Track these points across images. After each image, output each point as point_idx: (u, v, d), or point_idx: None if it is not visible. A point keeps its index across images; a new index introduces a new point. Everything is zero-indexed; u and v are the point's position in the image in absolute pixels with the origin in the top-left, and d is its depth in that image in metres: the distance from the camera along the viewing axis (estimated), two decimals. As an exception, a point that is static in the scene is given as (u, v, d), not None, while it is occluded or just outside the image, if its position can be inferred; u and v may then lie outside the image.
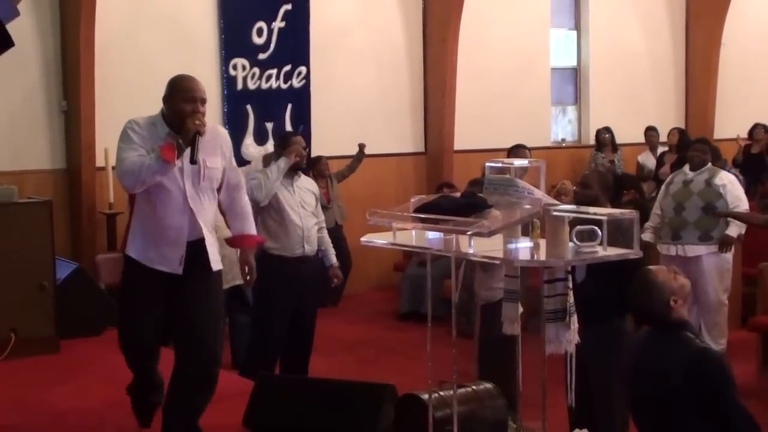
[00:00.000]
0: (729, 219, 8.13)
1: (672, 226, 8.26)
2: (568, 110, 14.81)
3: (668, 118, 14.72)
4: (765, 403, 4.17)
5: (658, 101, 15.12)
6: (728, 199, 8.15)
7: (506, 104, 13.25)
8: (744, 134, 13.76)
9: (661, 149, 13.35)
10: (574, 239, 4.27)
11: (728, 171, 9.50)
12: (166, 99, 5.15)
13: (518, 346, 4.57)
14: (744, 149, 13.32)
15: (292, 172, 7.21)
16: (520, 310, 4.59)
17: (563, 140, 14.61)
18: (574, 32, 14.65)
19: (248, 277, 5.47)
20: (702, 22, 15.05)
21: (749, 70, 15.63)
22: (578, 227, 4.29)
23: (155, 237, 5.16)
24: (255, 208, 6.74)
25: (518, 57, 13.47)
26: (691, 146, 8.86)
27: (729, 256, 8.24)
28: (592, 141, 13.94)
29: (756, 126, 13.59)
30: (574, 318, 4.32)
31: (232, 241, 5.54)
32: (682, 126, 14.44)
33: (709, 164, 8.41)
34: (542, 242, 4.57)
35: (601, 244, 4.29)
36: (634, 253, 5.09)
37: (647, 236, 8.37)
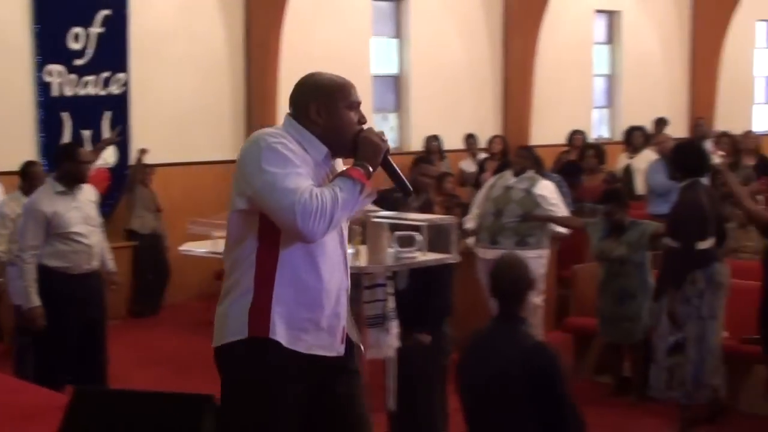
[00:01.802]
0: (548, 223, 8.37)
1: (490, 231, 8.42)
2: (390, 117, 14.96)
3: (487, 126, 15.05)
4: (580, 401, 4.27)
5: (477, 109, 15.43)
6: (545, 207, 8.35)
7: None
8: (561, 141, 14.19)
9: (481, 156, 13.64)
10: (395, 245, 4.31)
11: (551, 177, 9.75)
12: (318, 107, 3.56)
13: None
14: (559, 156, 13.72)
15: (74, 184, 6.76)
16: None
17: (383, 148, 14.71)
18: (396, 40, 14.81)
19: None
20: (518, 32, 15.44)
21: (562, 80, 16.15)
22: (397, 233, 4.34)
23: (314, 306, 3.52)
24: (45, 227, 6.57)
25: (340, 64, 13.44)
26: (514, 153, 9.05)
27: (544, 260, 8.45)
28: (413, 148, 14.11)
29: (575, 132, 14.03)
30: (394, 323, 4.37)
31: None
32: (500, 133, 14.77)
33: (531, 172, 8.58)
34: (363, 248, 4.60)
35: (420, 249, 4.34)
36: (452, 258, 5.19)
37: (469, 232, 8.59)
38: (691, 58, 18.31)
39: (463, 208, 9.21)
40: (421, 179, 6.15)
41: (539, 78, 15.62)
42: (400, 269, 5.22)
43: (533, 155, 8.94)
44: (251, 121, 12.62)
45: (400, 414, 5.60)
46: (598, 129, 17.23)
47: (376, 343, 4.34)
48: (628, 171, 11.97)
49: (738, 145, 12.25)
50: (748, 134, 13.06)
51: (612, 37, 17.55)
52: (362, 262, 4.72)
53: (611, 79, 17.63)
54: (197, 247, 6.64)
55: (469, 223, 8.69)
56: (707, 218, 6.59)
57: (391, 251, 4.72)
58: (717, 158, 7.04)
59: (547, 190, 8.42)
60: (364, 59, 14.00)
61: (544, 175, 8.99)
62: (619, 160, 12.50)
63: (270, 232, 3.44)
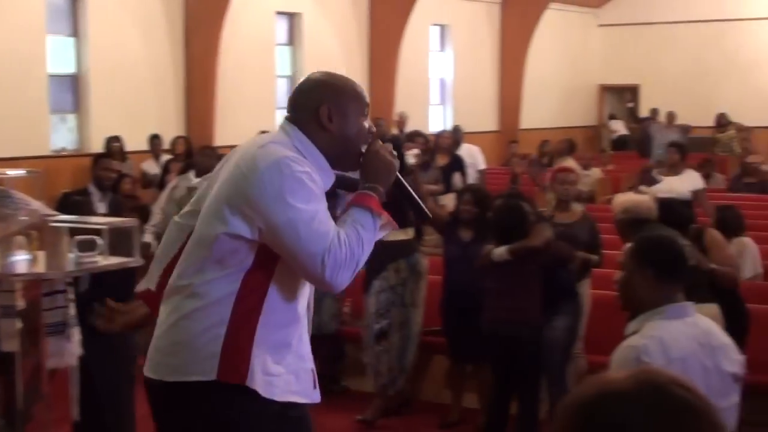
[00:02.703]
0: None
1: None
2: (68, 118, 14.46)
3: (170, 126, 14.86)
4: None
5: (160, 109, 15.20)
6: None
7: (2, 112, 12.68)
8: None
9: (164, 157, 13.43)
10: (75, 249, 4.18)
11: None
12: (330, 110, 3.10)
13: (17, 363, 4.38)
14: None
15: None
16: (19, 325, 4.41)
17: (64, 149, 14.25)
18: (72, 39, 14.33)
19: None
20: (200, 32, 15.34)
21: (245, 81, 16.20)
22: (77, 237, 4.21)
23: (294, 347, 3.14)
24: None
25: (13, 63, 12.94)
26: (198, 153, 9.01)
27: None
28: (94, 149, 13.71)
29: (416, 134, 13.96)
30: (76, 330, 4.23)
31: None
32: (184, 133, 14.63)
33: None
34: (41, 254, 4.43)
35: (102, 253, 4.23)
36: (135, 261, 5.09)
37: (148, 237, 8.48)
38: (370, 60, 18.86)
39: (141, 212, 9.00)
40: (104, 174, 6.00)
41: (222, 78, 15.61)
42: (81, 274, 5.08)
43: (218, 156, 8.93)
44: None
45: (86, 424, 5.43)
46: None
47: (58, 351, 4.18)
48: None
49: (430, 144, 12.67)
50: (443, 134, 13.56)
51: (293, 39, 17.79)
52: (40, 268, 4.55)
53: (293, 81, 17.86)
54: None
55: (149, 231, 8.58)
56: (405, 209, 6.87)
57: (71, 256, 4.57)
58: (412, 158, 7.30)
59: None
60: (39, 58, 13.47)
61: None
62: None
63: (264, 265, 3.02)
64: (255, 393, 2.99)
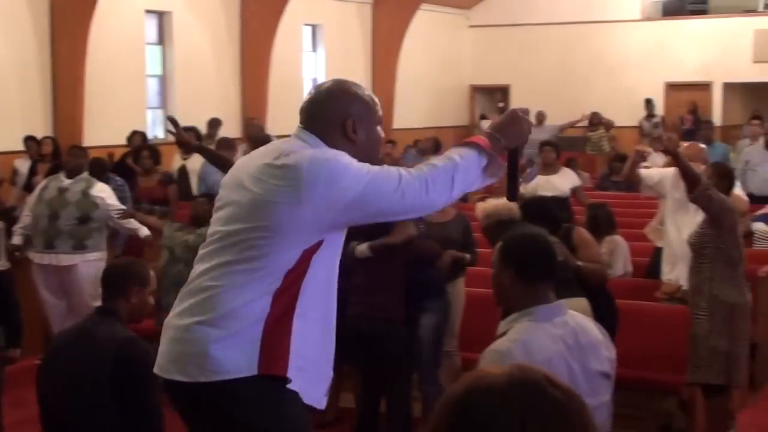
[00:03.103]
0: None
1: (46, 235, 8.13)
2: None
3: (37, 127, 14.48)
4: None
5: (27, 110, 14.83)
6: (104, 209, 8.21)
7: None
8: (118, 141, 13.98)
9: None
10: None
11: (113, 179, 9.65)
12: (354, 122, 3.17)
13: None
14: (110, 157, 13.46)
15: None
16: None
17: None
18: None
19: None
20: (67, 32, 14.99)
21: (115, 80, 15.90)
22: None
23: (324, 349, 3.24)
24: None
25: None
26: (67, 153, 8.84)
27: (103, 263, 8.31)
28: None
29: (135, 133, 13.79)
30: None
31: None
32: (51, 134, 14.29)
33: (86, 173, 8.42)
34: None
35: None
36: (2, 264, 4.95)
37: (17, 240, 8.32)
38: (242, 59, 18.71)
39: (5, 214, 8.71)
40: None
41: (91, 78, 15.29)
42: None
43: (95, 160, 8.82)
44: None
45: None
46: (153, 130, 17.17)
47: None
48: (183, 172, 12.02)
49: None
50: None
51: (163, 38, 17.54)
52: None
53: (164, 80, 17.63)
54: None
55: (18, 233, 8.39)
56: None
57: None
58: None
59: (105, 192, 8.34)
60: None
61: (108, 179, 8.96)
62: (174, 161, 12.51)
63: (301, 264, 3.07)
64: (296, 394, 3.11)
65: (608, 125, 19.43)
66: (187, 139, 6.49)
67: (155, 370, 3.27)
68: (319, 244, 3.07)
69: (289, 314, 3.07)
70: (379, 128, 3.24)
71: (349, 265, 6.42)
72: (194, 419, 3.24)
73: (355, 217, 3.07)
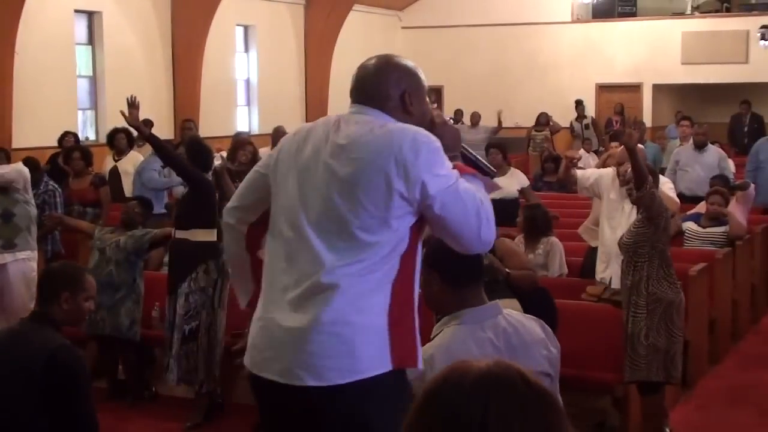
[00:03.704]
0: None
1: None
2: None
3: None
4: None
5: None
6: (30, 209, 8.14)
7: None
8: (48, 143, 13.77)
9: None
10: None
11: (46, 182, 9.60)
12: (411, 95, 3.18)
13: None
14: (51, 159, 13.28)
15: None
16: None
17: None
18: None
19: None
20: (-7, 32, 14.77)
21: (44, 81, 15.65)
22: None
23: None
24: None
25: None
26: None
27: (34, 263, 8.21)
28: None
29: (66, 134, 13.55)
30: None
31: None
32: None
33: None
34: None
35: None
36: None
37: None
38: (174, 60, 18.52)
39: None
40: None
41: (19, 79, 15.04)
42: None
43: (8, 156, 8.71)
44: None
45: None
46: (84, 131, 16.94)
47: None
48: (115, 173, 11.87)
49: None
50: (239, 134, 13.45)
51: (93, 38, 17.31)
52: None
53: (94, 81, 17.40)
54: None
55: None
56: (213, 210, 6.91)
57: None
58: (218, 159, 7.27)
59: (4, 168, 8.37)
60: None
61: (40, 181, 9.01)
62: (106, 162, 12.34)
63: (414, 242, 3.03)
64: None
65: (554, 129, 19.59)
66: (139, 124, 6.46)
67: (267, 375, 3.09)
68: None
69: (409, 302, 3.02)
70: (427, 100, 3.26)
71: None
72: (310, 425, 3.06)
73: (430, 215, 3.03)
